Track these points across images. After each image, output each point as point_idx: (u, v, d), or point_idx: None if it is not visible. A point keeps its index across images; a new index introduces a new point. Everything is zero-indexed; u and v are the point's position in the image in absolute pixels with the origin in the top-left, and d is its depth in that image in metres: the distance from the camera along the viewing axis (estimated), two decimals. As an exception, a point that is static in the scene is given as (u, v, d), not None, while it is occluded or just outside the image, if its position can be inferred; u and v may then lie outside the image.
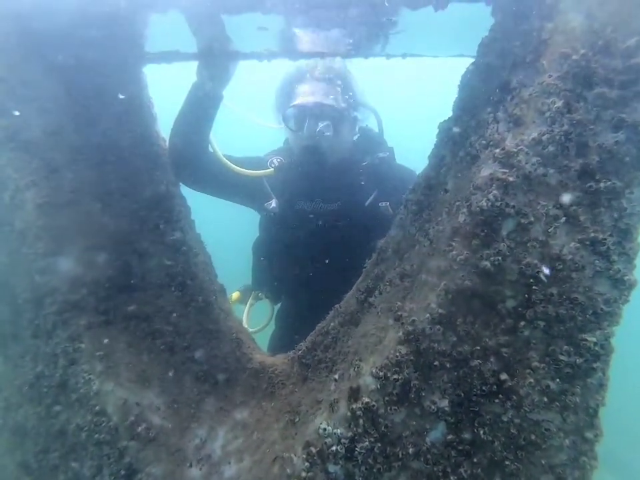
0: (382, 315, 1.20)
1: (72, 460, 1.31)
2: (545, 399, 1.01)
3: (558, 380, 1.00)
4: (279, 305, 2.57)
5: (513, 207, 0.96)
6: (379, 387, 1.07)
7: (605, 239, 0.93)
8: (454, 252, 1.03)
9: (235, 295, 2.45)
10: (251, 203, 2.40)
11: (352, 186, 2.18)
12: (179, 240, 1.56)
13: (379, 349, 1.12)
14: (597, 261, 0.94)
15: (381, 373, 1.06)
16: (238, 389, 1.49)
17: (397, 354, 1.05)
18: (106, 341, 1.31)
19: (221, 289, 1.73)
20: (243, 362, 1.54)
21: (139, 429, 1.26)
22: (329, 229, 2.17)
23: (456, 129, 1.18)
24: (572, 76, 0.89)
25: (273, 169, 2.21)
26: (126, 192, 1.49)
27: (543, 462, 1.03)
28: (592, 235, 0.93)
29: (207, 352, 1.51)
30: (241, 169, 2.15)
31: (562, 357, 0.99)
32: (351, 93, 2.20)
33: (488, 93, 1.08)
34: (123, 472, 1.23)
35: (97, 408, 1.26)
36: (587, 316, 0.97)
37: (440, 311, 1.02)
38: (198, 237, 1.74)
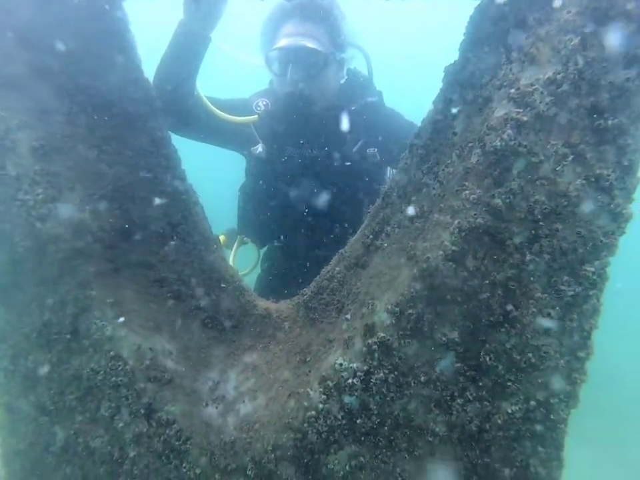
0: (393, 256, 1.25)
1: (88, 402, 1.34)
2: (546, 325, 1.10)
3: (558, 308, 1.09)
4: (264, 249, 2.59)
5: (525, 146, 1.00)
6: (393, 322, 1.14)
7: (609, 175, 0.99)
8: (467, 191, 1.07)
9: (220, 239, 2.45)
10: (236, 147, 2.35)
11: (339, 131, 2.15)
12: (178, 188, 1.54)
13: (393, 286, 1.17)
14: (600, 196, 1.01)
15: (397, 309, 1.12)
16: (245, 335, 1.53)
17: (412, 290, 1.11)
18: (115, 288, 1.30)
19: (216, 238, 1.74)
20: (248, 309, 1.58)
21: (155, 372, 1.29)
22: (316, 174, 2.16)
23: (463, 72, 1.19)
24: (591, 10, 0.91)
25: (257, 116, 2.15)
26: (121, 139, 1.44)
27: (540, 381, 1.13)
28: (597, 171, 1.00)
29: (212, 300, 1.54)
30: (225, 115, 2.08)
31: (562, 287, 1.08)
32: (338, 33, 2.12)
33: (499, 32, 1.09)
34: (142, 411, 1.27)
35: (112, 353, 1.27)
36: (587, 248, 1.05)
37: (453, 248, 1.08)
38: (191, 185, 1.72)
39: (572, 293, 1.07)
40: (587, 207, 1.02)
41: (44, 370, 1.39)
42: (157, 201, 1.48)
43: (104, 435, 1.35)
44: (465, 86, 1.18)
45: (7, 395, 1.49)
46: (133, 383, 1.27)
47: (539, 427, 1.16)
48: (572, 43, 0.92)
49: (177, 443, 1.28)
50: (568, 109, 0.96)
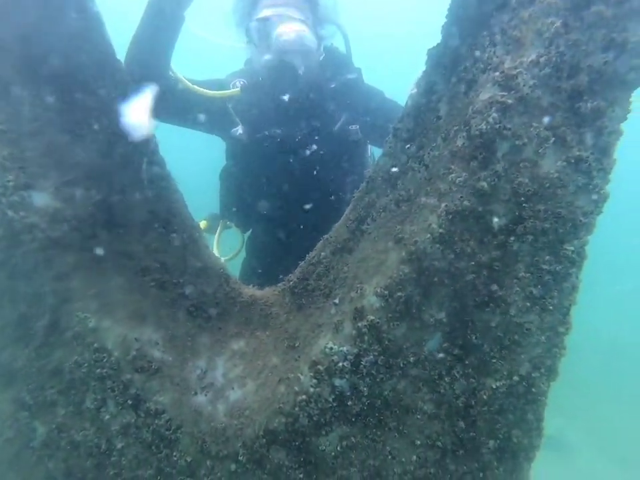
0: (380, 240, 1.26)
1: (72, 395, 1.30)
2: (528, 304, 1.14)
3: (540, 286, 1.13)
4: (249, 232, 2.56)
5: (510, 129, 1.02)
6: (383, 304, 1.15)
7: (587, 157, 1.02)
8: (453, 174, 1.09)
9: (202, 224, 2.40)
10: (215, 129, 2.28)
11: (320, 109, 2.12)
12: (158, 174, 1.50)
13: (381, 270, 1.19)
14: (579, 178, 1.05)
15: (386, 292, 1.14)
16: (231, 322, 1.52)
17: (400, 273, 1.13)
18: (97, 279, 1.27)
19: (197, 225, 1.71)
20: (233, 296, 1.56)
21: (141, 362, 1.27)
22: (297, 154, 2.13)
23: (447, 55, 1.20)
24: (570, -4, 0.93)
25: (239, 89, 2.08)
26: (95, 123, 1.39)
27: (523, 357, 1.18)
28: (577, 153, 1.03)
29: (197, 288, 1.52)
30: (206, 91, 2.01)
31: (544, 266, 1.11)
32: (317, 7, 2.08)
33: (482, 14, 1.10)
34: (130, 402, 1.25)
35: (96, 345, 1.24)
36: (568, 228, 1.08)
37: (440, 230, 1.09)
38: (170, 172, 1.68)
39: (553, 271, 1.11)
40: (566, 187, 1.05)
41: (21, 364, 1.35)
42: (136, 189, 1.44)
43: (89, 428, 1.33)
44: (449, 69, 1.19)
45: (-18, 393, 1.44)
46: (119, 374, 1.25)
47: (521, 401, 1.21)
48: (554, 26, 0.94)
49: (167, 432, 1.27)
50: (550, 91, 0.99)
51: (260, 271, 2.35)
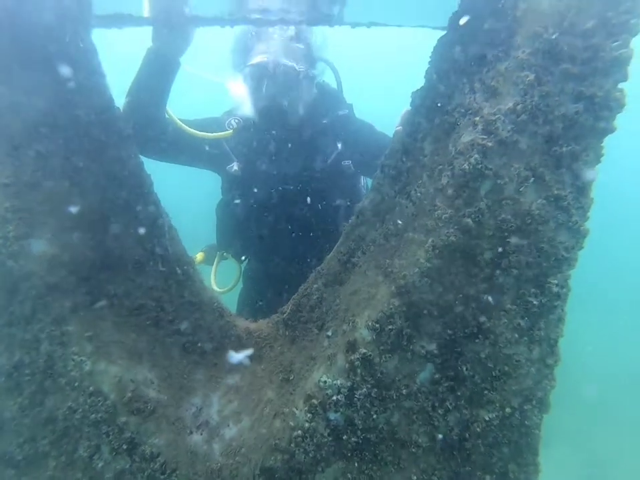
0: (370, 273, 1.30)
1: (64, 444, 1.29)
2: (516, 335, 1.17)
3: (527, 318, 1.17)
4: (245, 263, 2.60)
5: (491, 169, 1.08)
6: (374, 337, 1.18)
7: (566, 196, 1.08)
8: (439, 211, 1.13)
9: (199, 256, 2.45)
10: (211, 166, 2.36)
11: (313, 145, 2.21)
12: (153, 213, 1.53)
13: (372, 303, 1.22)
14: (559, 215, 1.10)
15: (377, 325, 1.17)
16: (226, 356, 1.53)
17: (391, 306, 1.16)
18: (93, 320, 1.28)
19: (192, 260, 1.73)
20: (227, 330, 1.58)
21: (137, 403, 1.27)
22: (292, 188, 2.21)
23: (430, 98, 1.27)
24: (542, 52, 1.00)
25: (231, 131, 2.17)
26: (93, 169, 1.42)
27: (514, 388, 1.21)
28: (555, 192, 1.08)
29: (192, 323, 1.53)
30: (199, 132, 2.09)
31: (530, 299, 1.16)
32: (310, 50, 2.18)
33: (462, 64, 1.17)
34: (124, 446, 1.25)
35: (91, 388, 1.24)
36: (551, 262, 1.13)
37: (428, 265, 1.14)
38: (165, 209, 1.71)
39: (538, 304, 1.15)
40: (547, 224, 1.10)
41: (12, 415, 1.33)
42: (132, 228, 1.47)
43: (81, 478, 1.31)
44: (432, 111, 1.26)
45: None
46: (114, 417, 1.25)
47: (515, 433, 1.23)
48: (528, 79, 1.00)
49: (162, 477, 1.26)
50: (527, 136, 1.05)
51: (257, 299, 2.39)
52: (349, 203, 2.18)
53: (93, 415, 1.24)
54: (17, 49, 1.26)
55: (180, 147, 2.09)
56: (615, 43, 0.98)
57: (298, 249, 2.15)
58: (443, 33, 1.27)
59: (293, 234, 2.16)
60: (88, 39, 1.46)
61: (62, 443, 1.29)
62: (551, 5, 1.00)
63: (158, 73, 1.84)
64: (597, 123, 1.03)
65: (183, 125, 2.04)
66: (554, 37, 1.01)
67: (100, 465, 1.26)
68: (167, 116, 2.00)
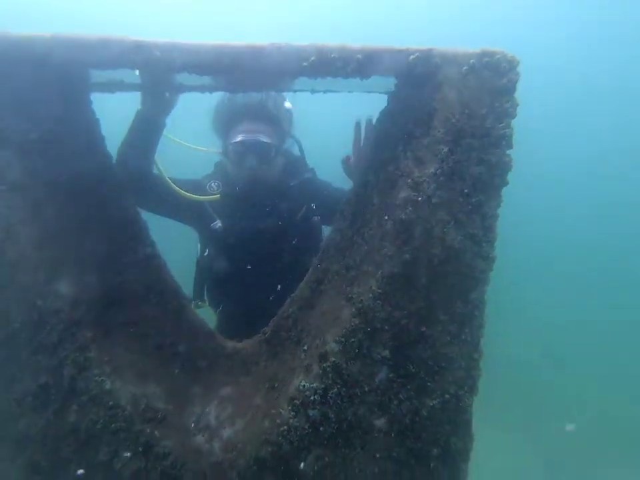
0: (334, 298, 1.63)
1: (86, 451, 1.54)
2: (449, 338, 1.53)
3: (455, 325, 1.53)
4: (219, 310, 2.92)
5: (421, 217, 1.44)
6: (341, 348, 1.51)
7: (478, 233, 1.46)
8: (385, 249, 1.49)
9: None
10: (192, 222, 2.75)
11: (285, 204, 2.65)
12: (151, 254, 1.80)
13: (337, 322, 1.55)
14: (474, 247, 1.48)
15: (342, 339, 1.50)
16: (218, 372, 1.82)
17: (352, 324, 1.50)
18: (109, 347, 1.54)
19: (184, 294, 2.01)
20: (218, 349, 1.86)
21: (150, 413, 1.54)
22: (269, 241, 2.63)
23: (376, 160, 1.63)
24: (452, 131, 1.38)
25: (218, 196, 2.60)
26: (99, 219, 1.69)
27: (450, 379, 1.56)
28: (470, 231, 1.46)
29: (188, 346, 1.81)
30: (189, 194, 2.49)
31: (457, 310, 1.52)
32: (282, 129, 2.62)
33: (397, 136, 1.54)
34: (140, 449, 1.51)
35: (111, 403, 1.50)
36: (470, 282, 1.50)
37: (379, 290, 1.48)
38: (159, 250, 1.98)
39: (463, 313, 1.52)
40: (466, 254, 1.48)
41: (37, 430, 1.56)
42: (133, 267, 1.74)
43: (101, 478, 1.56)
44: (378, 170, 1.62)
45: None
46: (132, 426, 1.51)
47: (453, 414, 1.59)
48: (444, 150, 1.38)
49: (173, 471, 1.54)
50: (446, 191, 1.42)
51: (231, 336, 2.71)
52: (314, 250, 2.59)
53: (113, 425, 1.50)
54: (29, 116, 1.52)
55: (167, 202, 2.44)
56: (501, 124, 1.37)
57: (270, 292, 2.54)
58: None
59: (268, 279, 2.55)
60: (88, 105, 1.73)
61: (83, 450, 1.54)
62: (456, 97, 1.38)
63: (145, 133, 2.14)
64: (494, 179, 1.42)
65: (174, 185, 2.39)
66: (459, 120, 1.39)
67: (119, 466, 1.52)
68: (155, 171, 2.31)
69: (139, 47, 1.36)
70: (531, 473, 6.73)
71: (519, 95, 1.36)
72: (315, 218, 2.66)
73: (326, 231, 2.85)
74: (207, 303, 2.86)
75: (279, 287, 2.52)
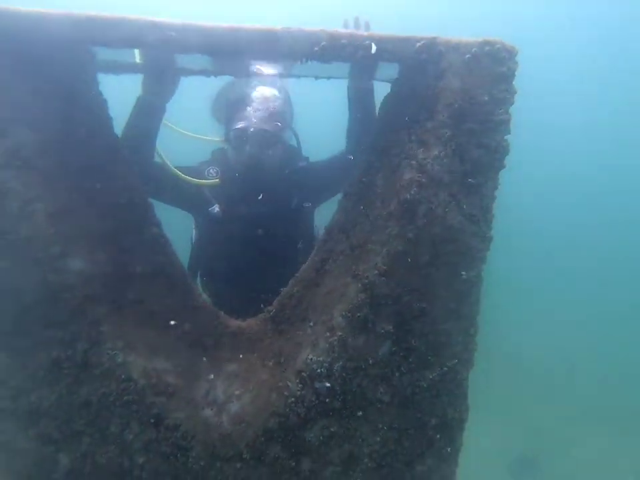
0: (340, 276, 1.70)
1: (98, 423, 1.58)
2: (448, 314, 1.62)
3: (454, 301, 1.62)
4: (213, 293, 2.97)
5: (425, 197, 1.52)
6: (347, 323, 1.58)
7: (477, 214, 1.55)
8: (389, 229, 1.56)
9: None
10: (191, 207, 2.80)
11: (280, 191, 2.74)
12: (157, 234, 1.84)
13: (344, 299, 1.62)
14: (472, 227, 1.56)
15: (349, 314, 1.57)
16: (223, 349, 1.87)
17: (358, 299, 1.57)
18: (120, 322, 1.58)
19: (189, 273, 2.05)
20: (223, 328, 1.91)
21: (161, 386, 1.59)
22: (265, 226, 2.71)
23: (380, 143, 1.70)
24: (455, 116, 1.46)
25: (218, 180, 2.66)
26: (108, 198, 1.72)
27: (448, 352, 1.65)
28: (469, 211, 1.55)
29: (194, 324, 1.85)
30: (191, 179, 2.54)
31: (455, 287, 1.61)
32: (284, 122, 2.67)
33: (402, 120, 1.61)
34: (152, 420, 1.56)
35: (123, 376, 1.54)
36: (468, 260, 1.59)
37: (384, 267, 1.56)
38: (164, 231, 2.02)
39: (461, 290, 1.61)
40: (465, 234, 1.56)
41: (49, 403, 1.59)
42: (140, 246, 1.78)
43: (113, 450, 1.60)
44: (382, 153, 1.69)
45: (1, 435, 1.65)
46: (144, 398, 1.56)
47: (450, 385, 1.68)
48: (447, 134, 1.46)
49: (183, 443, 1.59)
50: (448, 173, 1.50)
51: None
52: (305, 236, 2.77)
53: (125, 397, 1.54)
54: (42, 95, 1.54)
55: (166, 188, 2.50)
56: (500, 110, 1.46)
57: (262, 275, 2.63)
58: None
59: (262, 263, 2.66)
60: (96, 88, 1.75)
61: (95, 422, 1.57)
62: (459, 83, 1.46)
63: (146, 118, 2.18)
64: (493, 162, 1.51)
65: (176, 170, 2.47)
66: (462, 105, 1.47)
67: (130, 437, 1.56)
68: (157, 158, 2.35)
69: (154, 26, 1.40)
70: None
71: (525, 87, 1.45)
72: (307, 204, 2.77)
73: (318, 217, 2.95)
74: (200, 288, 2.89)
75: (272, 270, 2.58)
